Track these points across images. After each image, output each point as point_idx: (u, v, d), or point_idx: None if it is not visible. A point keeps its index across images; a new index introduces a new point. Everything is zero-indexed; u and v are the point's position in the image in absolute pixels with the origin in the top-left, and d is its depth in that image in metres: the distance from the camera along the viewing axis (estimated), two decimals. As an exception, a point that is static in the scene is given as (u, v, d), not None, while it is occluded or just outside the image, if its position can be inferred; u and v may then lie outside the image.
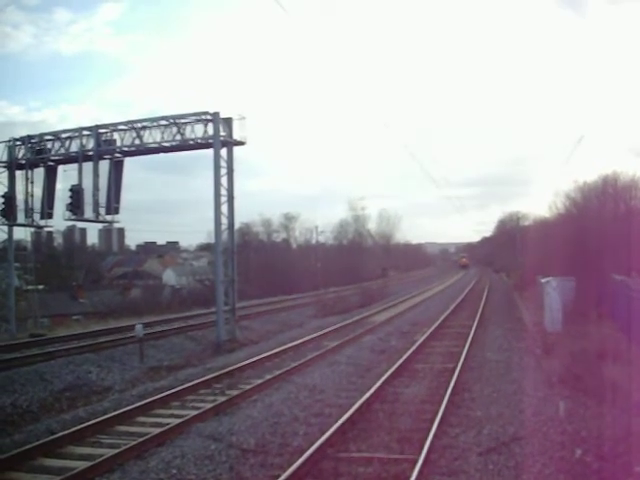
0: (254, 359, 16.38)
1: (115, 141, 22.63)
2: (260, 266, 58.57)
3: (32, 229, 26.88)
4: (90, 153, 22.70)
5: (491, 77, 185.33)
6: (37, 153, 23.95)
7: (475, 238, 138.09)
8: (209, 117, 21.26)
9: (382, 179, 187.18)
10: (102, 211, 22.82)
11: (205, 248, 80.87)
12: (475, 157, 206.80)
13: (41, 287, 40.08)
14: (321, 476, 7.79)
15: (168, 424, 10.02)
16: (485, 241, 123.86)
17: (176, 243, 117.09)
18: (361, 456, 8.40)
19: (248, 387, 12.88)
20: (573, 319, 19.29)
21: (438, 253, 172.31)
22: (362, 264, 73.01)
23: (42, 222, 25.11)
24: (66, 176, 23.54)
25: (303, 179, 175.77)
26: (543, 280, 24.46)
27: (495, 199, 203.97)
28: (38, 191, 24.28)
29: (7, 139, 24.40)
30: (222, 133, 21.21)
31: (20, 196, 24.46)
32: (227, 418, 10.57)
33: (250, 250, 65.56)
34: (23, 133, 24.50)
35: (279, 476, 7.40)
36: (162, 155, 23.84)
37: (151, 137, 22.04)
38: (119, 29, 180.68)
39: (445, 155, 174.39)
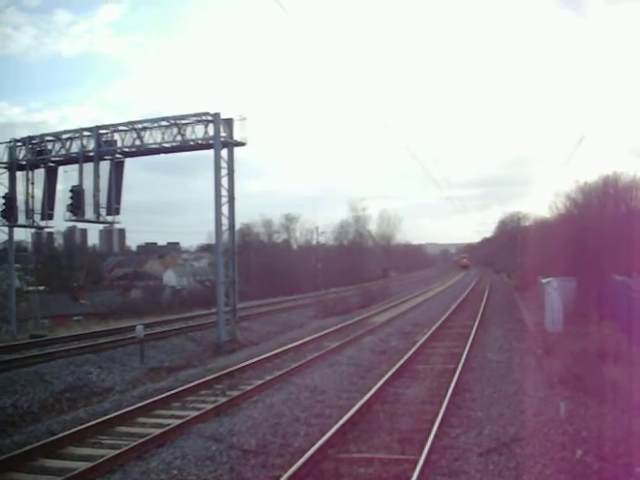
0: (255, 360, 16.37)
1: (116, 142, 22.64)
2: (261, 267, 58.54)
3: (33, 230, 26.84)
4: (91, 154, 22.73)
5: (491, 77, 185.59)
6: (38, 154, 23.97)
7: (476, 239, 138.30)
8: (210, 118, 21.27)
9: (382, 180, 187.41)
10: (103, 212, 22.84)
11: (206, 249, 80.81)
12: (476, 158, 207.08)
13: (42, 288, 40.14)
14: (322, 477, 7.78)
15: (169, 425, 10.02)
16: (486, 242, 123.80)
17: (177, 244, 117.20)
18: (362, 457, 8.39)
19: (249, 388, 12.88)
20: (574, 319, 19.30)
21: (439, 254, 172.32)
22: (363, 265, 73.05)
23: (43, 223, 25.16)
24: (67, 177, 23.60)
25: (304, 180, 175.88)
26: (544, 280, 24.47)
27: (496, 200, 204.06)
28: (39, 192, 24.37)
29: (8, 140, 24.54)
30: (223, 134, 21.21)
31: (21, 197, 24.56)
32: (228, 419, 10.56)
33: (251, 251, 65.53)
34: (24, 134, 24.61)
35: (280, 477, 7.40)
36: (163, 156, 23.91)
37: (152, 138, 22.08)
38: (119, 30, 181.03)
39: (446, 156, 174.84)
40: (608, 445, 8.23)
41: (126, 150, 22.77)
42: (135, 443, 8.97)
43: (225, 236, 21.78)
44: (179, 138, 21.80)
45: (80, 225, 53.60)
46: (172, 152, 23.42)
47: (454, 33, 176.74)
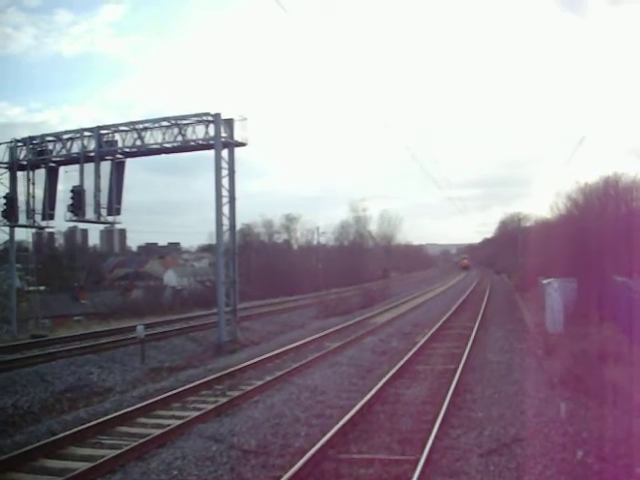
0: (255, 360, 16.37)
1: (116, 142, 22.64)
2: (261, 267, 58.55)
3: (33, 230, 26.92)
4: (91, 154, 22.73)
5: (492, 78, 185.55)
6: (38, 154, 23.98)
7: (476, 239, 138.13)
8: (210, 118, 21.27)
9: (383, 180, 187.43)
10: (103, 212, 22.84)
11: (206, 249, 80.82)
12: (476, 158, 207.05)
13: (42, 288, 40.11)
14: (322, 477, 7.78)
15: (169, 425, 10.03)
16: (486, 242, 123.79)
17: (177, 244, 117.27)
18: (362, 457, 8.39)
19: (249, 388, 12.88)
20: (574, 320, 19.28)
21: (439, 254, 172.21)
22: (363, 265, 73.05)
23: (43, 223, 25.17)
24: (67, 177, 23.62)
25: (304, 180, 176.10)
26: (544, 281, 24.47)
27: (496, 200, 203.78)
28: (39, 192, 24.36)
29: (8, 140, 24.52)
30: (223, 134, 21.21)
31: (21, 197, 24.56)
32: (228, 419, 10.57)
33: (251, 251, 65.52)
34: (24, 134, 24.56)
35: (280, 477, 7.41)
36: (163, 156, 23.90)
37: (152, 138, 22.06)
38: (120, 30, 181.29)
39: (446, 156, 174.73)
40: (609, 446, 8.23)
41: (127, 150, 22.77)
42: (136, 443, 8.97)
43: (226, 236, 21.78)
44: (180, 138, 21.80)
45: (81, 225, 53.66)
46: (173, 152, 23.43)
47: (454, 33, 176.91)
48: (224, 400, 11.88)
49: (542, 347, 16.99)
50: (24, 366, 15.67)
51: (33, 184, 24.38)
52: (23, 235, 26.99)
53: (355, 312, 31.42)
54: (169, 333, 22.30)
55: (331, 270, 61.51)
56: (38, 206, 24.39)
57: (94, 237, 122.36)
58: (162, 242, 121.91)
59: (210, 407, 11.29)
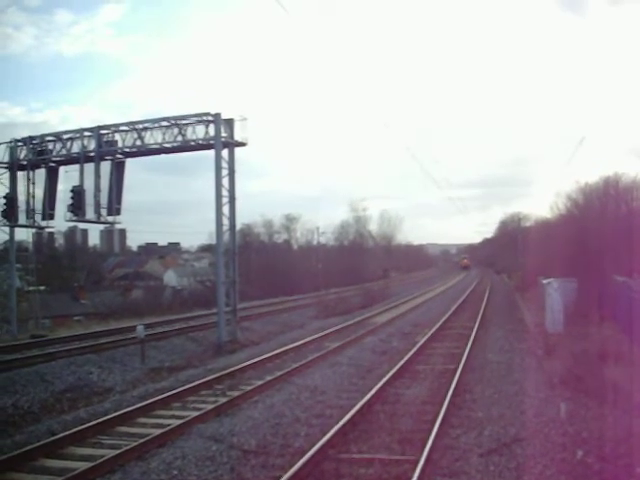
0: (255, 360, 16.37)
1: (116, 142, 22.64)
2: (261, 267, 58.54)
3: (33, 230, 26.92)
4: (91, 154, 22.73)
5: (492, 78, 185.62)
6: (38, 154, 23.98)
7: (477, 239, 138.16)
8: (210, 118, 21.27)
9: (383, 180, 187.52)
10: (103, 212, 22.84)
11: (206, 249, 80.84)
12: (476, 158, 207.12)
13: (42, 288, 40.12)
14: (322, 477, 7.78)
15: (169, 425, 10.02)
16: (486, 242, 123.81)
17: (177, 244, 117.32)
18: (362, 457, 8.39)
19: (249, 388, 12.88)
20: (574, 320, 19.28)
21: (439, 254, 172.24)
22: (363, 265, 73.02)
23: (43, 223, 25.18)
24: (67, 177, 23.62)
25: (304, 180, 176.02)
26: (544, 281, 24.48)
27: (496, 200, 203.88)
28: (39, 192, 24.38)
29: (8, 140, 24.53)
30: (223, 134, 21.21)
31: (21, 197, 24.56)
32: (228, 419, 10.57)
33: (251, 251, 65.51)
34: (24, 134, 24.54)
35: (280, 477, 7.40)
36: (163, 156, 23.90)
37: (152, 138, 22.07)
38: (120, 30, 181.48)
39: (446, 156, 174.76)
40: (609, 446, 8.22)
41: (127, 150, 22.77)
42: (135, 443, 8.97)
43: (226, 236, 21.77)
44: (180, 138, 21.80)
45: (81, 225, 53.82)
46: (173, 152, 23.43)
47: (455, 33, 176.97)
48: (224, 400, 11.88)
49: (542, 347, 16.99)
50: (24, 366, 15.67)
51: (33, 184, 24.40)
52: (23, 235, 27.07)
53: (355, 312, 31.42)
54: (169, 333, 22.29)
55: (331, 270, 61.45)
56: (38, 206, 24.40)
57: (94, 237, 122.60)
58: (162, 242, 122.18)
59: (210, 407, 11.29)
